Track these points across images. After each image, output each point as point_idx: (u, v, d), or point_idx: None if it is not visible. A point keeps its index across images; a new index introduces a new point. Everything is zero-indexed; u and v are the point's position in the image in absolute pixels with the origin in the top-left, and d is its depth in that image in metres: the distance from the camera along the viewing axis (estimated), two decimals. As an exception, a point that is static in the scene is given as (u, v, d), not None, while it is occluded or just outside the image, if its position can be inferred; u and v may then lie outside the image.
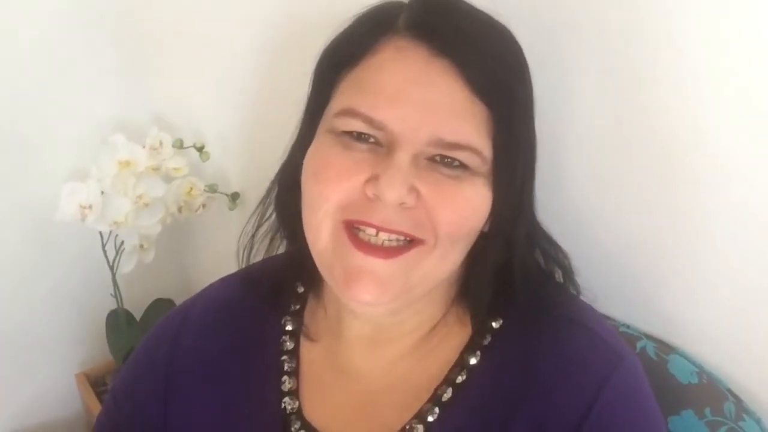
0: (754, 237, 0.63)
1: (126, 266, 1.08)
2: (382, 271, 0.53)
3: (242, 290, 0.69)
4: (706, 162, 0.64)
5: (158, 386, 0.66)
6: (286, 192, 0.62)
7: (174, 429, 0.66)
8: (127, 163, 0.99)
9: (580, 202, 0.75)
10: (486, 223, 0.57)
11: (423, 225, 0.53)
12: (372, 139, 0.53)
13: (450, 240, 0.53)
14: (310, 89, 0.60)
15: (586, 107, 0.71)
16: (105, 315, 1.15)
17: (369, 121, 0.52)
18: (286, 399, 0.62)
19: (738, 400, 0.66)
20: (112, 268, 1.08)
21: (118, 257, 1.07)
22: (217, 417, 0.64)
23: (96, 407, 1.15)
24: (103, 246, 1.06)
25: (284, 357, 0.64)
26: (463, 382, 0.58)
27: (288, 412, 0.61)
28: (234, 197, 1.09)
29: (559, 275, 0.62)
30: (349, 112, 0.53)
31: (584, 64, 0.69)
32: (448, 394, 0.58)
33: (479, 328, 0.60)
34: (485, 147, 0.53)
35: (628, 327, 0.73)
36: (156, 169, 1.03)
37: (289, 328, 0.66)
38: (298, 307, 0.67)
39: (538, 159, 0.60)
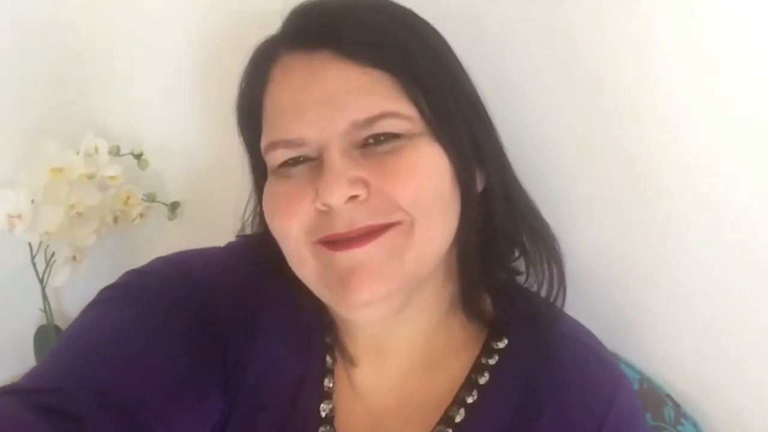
0: (694, 243, 0.66)
1: (57, 279, 1.02)
2: (370, 258, 0.52)
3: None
4: (676, 171, 0.67)
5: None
6: (264, 236, 0.61)
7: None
8: (60, 170, 0.94)
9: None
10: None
11: (389, 209, 0.52)
12: (304, 158, 0.54)
13: (422, 210, 0.52)
14: (244, 145, 0.63)
15: (563, 124, 0.72)
16: (34, 331, 1.09)
17: (288, 144, 0.53)
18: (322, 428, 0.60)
19: (676, 405, 0.67)
20: (41, 281, 1.03)
21: (48, 270, 1.02)
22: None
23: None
24: (33, 258, 1.00)
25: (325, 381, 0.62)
26: (474, 402, 0.58)
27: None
28: (173, 207, 1.06)
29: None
30: (271, 146, 0.55)
31: (560, 79, 0.70)
32: (461, 416, 0.57)
33: (485, 348, 0.60)
34: (406, 107, 0.53)
35: (571, 335, 0.74)
36: (91, 177, 0.98)
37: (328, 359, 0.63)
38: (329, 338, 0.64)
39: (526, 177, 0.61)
